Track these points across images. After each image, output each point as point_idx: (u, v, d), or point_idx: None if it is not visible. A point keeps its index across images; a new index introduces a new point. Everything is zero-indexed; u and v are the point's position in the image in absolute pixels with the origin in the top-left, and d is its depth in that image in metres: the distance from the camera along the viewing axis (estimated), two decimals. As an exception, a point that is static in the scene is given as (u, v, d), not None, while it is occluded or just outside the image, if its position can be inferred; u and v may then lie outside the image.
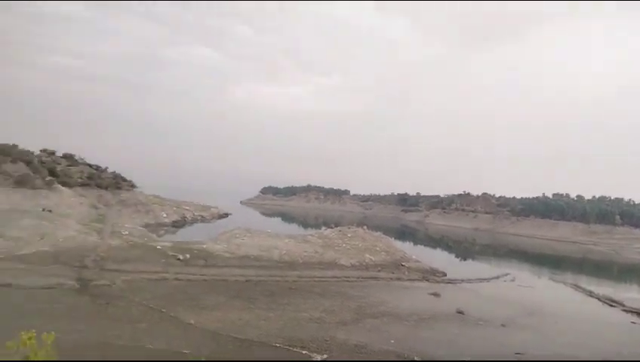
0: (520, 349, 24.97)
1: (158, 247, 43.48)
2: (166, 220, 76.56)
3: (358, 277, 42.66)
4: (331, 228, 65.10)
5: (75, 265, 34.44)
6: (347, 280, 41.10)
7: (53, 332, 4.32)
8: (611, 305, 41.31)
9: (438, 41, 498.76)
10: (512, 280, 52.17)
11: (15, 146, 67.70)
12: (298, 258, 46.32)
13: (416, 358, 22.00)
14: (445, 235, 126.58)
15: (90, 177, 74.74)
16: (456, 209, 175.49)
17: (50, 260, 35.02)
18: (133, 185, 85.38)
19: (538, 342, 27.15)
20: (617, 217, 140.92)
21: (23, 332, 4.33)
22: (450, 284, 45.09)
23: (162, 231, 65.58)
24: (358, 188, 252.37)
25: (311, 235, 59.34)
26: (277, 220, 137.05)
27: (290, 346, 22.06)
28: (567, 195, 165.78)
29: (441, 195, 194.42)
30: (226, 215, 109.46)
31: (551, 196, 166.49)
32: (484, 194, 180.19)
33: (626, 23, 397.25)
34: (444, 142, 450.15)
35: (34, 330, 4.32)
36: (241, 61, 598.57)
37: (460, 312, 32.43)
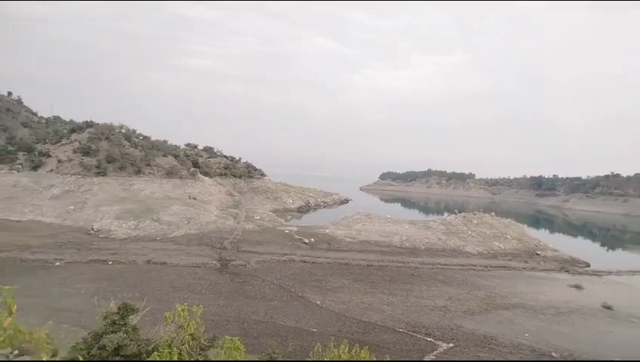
0: (688, 355, 21.36)
1: (286, 231, 46.27)
2: (292, 206, 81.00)
3: (486, 266, 40.36)
4: (455, 214, 62.45)
5: (216, 246, 38.48)
6: (473, 269, 39.19)
7: (201, 306, 4.89)
8: None
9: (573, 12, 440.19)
10: (677, 275, 44.53)
11: (165, 142, 77.50)
12: (419, 244, 45.47)
13: (554, 354, 20.20)
14: (589, 222, 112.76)
15: (226, 167, 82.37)
16: (602, 193, 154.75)
17: (196, 242, 39.64)
18: (263, 174, 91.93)
19: None
20: None
21: (177, 305, 4.98)
22: (594, 276, 40.21)
23: (289, 216, 69.51)
24: (484, 172, 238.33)
25: (433, 221, 57.66)
26: (396, 206, 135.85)
27: (414, 332, 21.90)
28: None
29: (583, 177, 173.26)
30: (347, 201, 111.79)
31: None
32: (637, 175, 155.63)
33: None
34: (586, 118, 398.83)
35: (186, 303, 4.94)
36: (359, 47, 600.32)
37: (608, 307, 28.81)
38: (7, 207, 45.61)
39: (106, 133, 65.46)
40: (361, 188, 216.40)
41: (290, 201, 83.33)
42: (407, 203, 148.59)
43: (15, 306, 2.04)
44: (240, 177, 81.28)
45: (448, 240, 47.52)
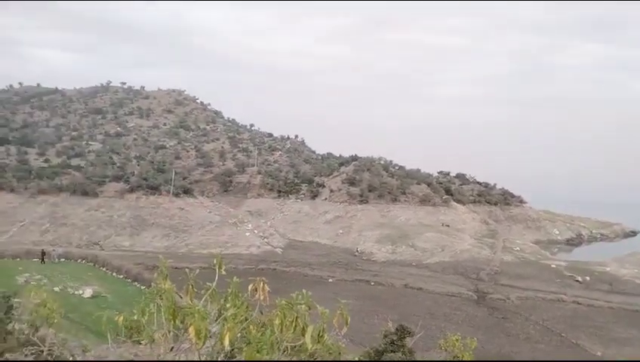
0: None
1: (553, 266, 41.16)
2: (558, 237, 71.45)
3: None
4: None
5: (471, 276, 37.31)
6: None
7: (475, 339, 4.98)
8: None
9: None
10: None
11: (418, 170, 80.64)
12: None
13: None
14: None
15: (480, 194, 79.41)
16: None
17: (450, 270, 39.40)
18: (522, 201, 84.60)
19: None
20: None
21: (450, 334, 5.20)
22: None
23: (555, 249, 61.60)
24: None
25: None
26: None
27: None
28: None
29: None
30: (634, 233, 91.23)
31: None
32: None
33: None
34: None
35: (459, 334, 5.12)
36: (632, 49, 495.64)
37: None
38: (294, 229, 55.62)
39: (368, 165, 72.75)
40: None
41: (557, 232, 73.61)
42: None
43: (349, 318, 2.68)
44: (495, 204, 76.87)
45: None
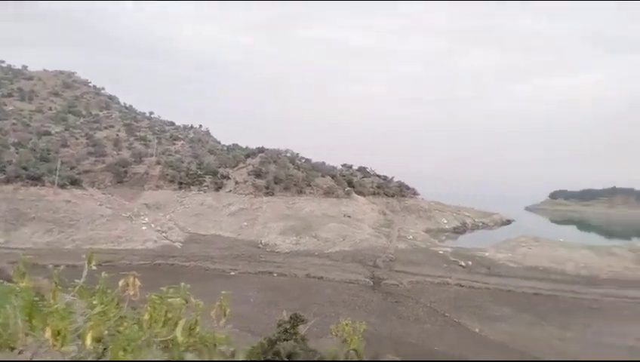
0: None
1: (440, 252, 44.89)
2: (446, 226, 78.07)
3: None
4: (648, 239, 52.59)
5: (369, 264, 39.32)
6: (675, 307, 32.37)
7: (364, 323, 5.30)
8: None
9: None
10: None
11: (323, 163, 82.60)
12: (600, 273, 39.48)
13: None
14: None
15: (379, 186, 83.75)
16: None
17: (350, 258, 41.12)
18: (415, 193, 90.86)
19: None
20: None
21: (341, 320, 5.47)
22: None
23: (443, 237, 67.17)
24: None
25: (618, 247, 49.49)
26: (570, 229, 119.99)
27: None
28: None
29: None
30: (509, 222, 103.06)
31: None
32: None
33: None
34: None
35: (349, 319, 5.41)
36: (523, 55, 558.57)
37: None
38: (196, 222, 53.82)
39: (274, 157, 72.80)
40: (526, 208, 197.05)
41: (445, 221, 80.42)
42: (584, 225, 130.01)
43: (228, 310, 2.64)
44: (392, 196, 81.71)
45: (639, 270, 40.27)
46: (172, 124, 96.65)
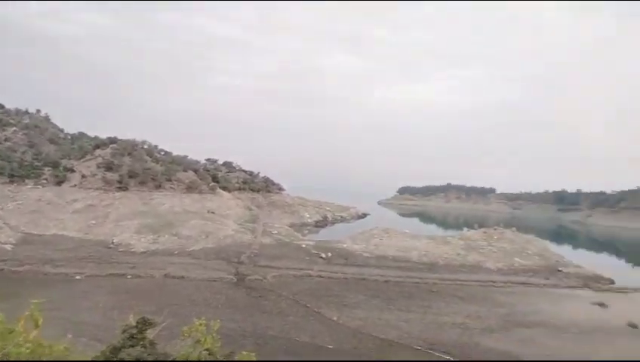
0: None
1: (303, 246, 46.34)
2: (309, 220, 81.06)
3: (506, 282, 39.59)
4: (474, 229, 61.63)
5: (233, 260, 38.76)
6: (493, 285, 38.47)
7: (218, 321, 5.03)
8: None
9: (594, 21, 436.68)
10: None
11: (185, 157, 78.81)
12: (438, 260, 44.94)
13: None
14: (613, 238, 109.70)
15: (244, 182, 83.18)
16: (627, 207, 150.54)
17: (213, 256, 40.00)
18: (281, 188, 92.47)
19: None
20: None
21: (195, 319, 5.12)
22: (619, 293, 39.01)
23: (306, 231, 69.54)
24: (504, 187, 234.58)
25: (452, 236, 57.01)
26: (415, 220, 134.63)
27: (431, 349, 21.61)
28: None
29: (607, 192, 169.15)
30: (365, 215, 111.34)
31: None
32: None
33: None
34: (610, 134, 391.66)
35: (204, 318, 5.09)
36: (379, 62, 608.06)
37: (633, 326, 27.90)
38: (32, 221, 46.85)
39: (129, 148, 66.96)
40: (379, 203, 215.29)
41: (308, 216, 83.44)
42: (425, 217, 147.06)
43: (40, 320, 2.18)
44: (258, 191, 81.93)
45: (468, 256, 46.84)
46: (1, 107, 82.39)
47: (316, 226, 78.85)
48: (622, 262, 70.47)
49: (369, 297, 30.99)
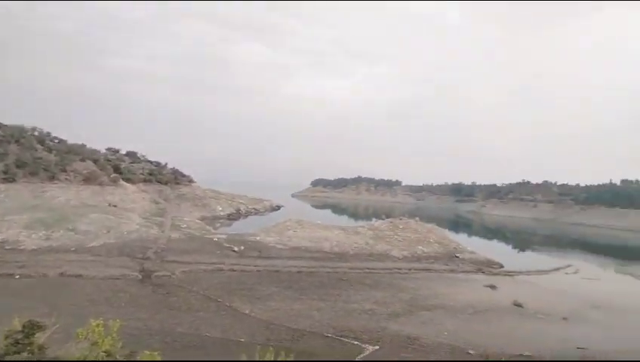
0: (582, 344, 23.79)
1: (215, 239, 45.22)
2: (221, 213, 79.29)
3: (410, 269, 42.20)
4: (382, 219, 64.72)
5: (138, 256, 36.62)
6: (399, 272, 40.80)
7: (118, 320, 4.72)
8: (688, 300, 38.21)
9: (491, 26, 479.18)
10: (575, 272, 49.45)
11: (83, 146, 72.62)
12: (349, 249, 46.52)
13: (470, 351, 21.57)
14: (503, 226, 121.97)
15: (151, 173, 78.80)
16: (514, 198, 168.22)
17: (116, 252, 37.46)
18: (191, 180, 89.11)
19: (602, 337, 25.75)
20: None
21: (92, 321, 4.76)
22: (507, 276, 43.55)
23: (218, 224, 67.99)
24: (410, 179, 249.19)
25: (361, 227, 59.31)
26: (327, 212, 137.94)
27: (341, 336, 22.33)
28: (638, 181, 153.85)
29: (498, 184, 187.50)
30: (278, 207, 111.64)
31: (619, 183, 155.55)
32: (545, 182, 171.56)
33: None
34: (501, 130, 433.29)
35: (102, 319, 4.74)
36: (292, 55, 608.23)
37: (518, 305, 31.33)
38: None
39: (16, 135, 60.10)
40: (292, 195, 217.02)
41: (220, 209, 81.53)
42: (337, 209, 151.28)
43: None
44: (166, 183, 78.17)
45: (376, 245, 49.06)
46: None
47: (229, 219, 77.41)
48: (509, 248, 78.71)
49: (282, 288, 31.17)
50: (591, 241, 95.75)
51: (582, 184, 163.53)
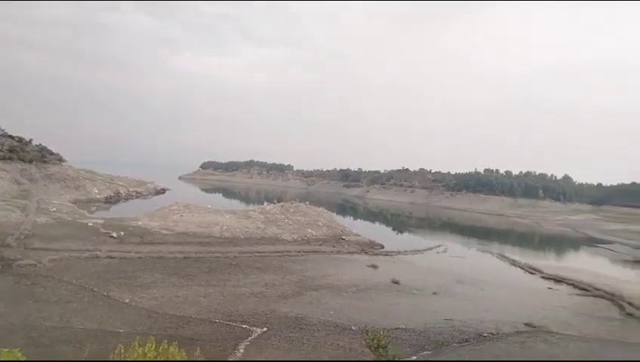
0: (448, 315, 26.64)
1: (90, 224, 41.46)
2: (98, 196, 72.81)
3: (300, 252, 43.17)
4: (274, 203, 65.06)
5: (-5, 244, 32.04)
6: (289, 255, 41.49)
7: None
8: (532, 273, 44.90)
9: (381, 20, 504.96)
10: (445, 251, 55.14)
11: None
12: (239, 234, 46.00)
13: (353, 327, 22.80)
14: (384, 209, 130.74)
15: (12, 150, 68.99)
16: (395, 184, 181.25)
17: (-34, 240, 32.34)
18: (61, 159, 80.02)
19: (465, 308, 29.10)
20: (540, 191, 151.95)
21: None
22: (387, 256, 46.87)
23: (94, 208, 62.40)
24: (301, 164, 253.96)
25: (253, 211, 58.99)
26: (218, 196, 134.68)
27: (229, 321, 22.06)
28: (497, 171, 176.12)
29: (381, 171, 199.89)
30: (164, 191, 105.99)
31: (482, 172, 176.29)
32: (421, 169, 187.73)
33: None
34: (386, 118, 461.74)
35: None
36: (183, 29, 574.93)
37: (396, 282, 33.93)
38: None
39: None
40: (180, 178, 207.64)
41: (96, 191, 74.73)
42: (228, 193, 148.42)
43: None
44: (31, 162, 69.18)
45: (267, 229, 49.21)
46: None
47: (107, 203, 71.47)
48: (389, 230, 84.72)
49: (166, 275, 29.73)
50: (458, 223, 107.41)
51: (452, 172, 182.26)
